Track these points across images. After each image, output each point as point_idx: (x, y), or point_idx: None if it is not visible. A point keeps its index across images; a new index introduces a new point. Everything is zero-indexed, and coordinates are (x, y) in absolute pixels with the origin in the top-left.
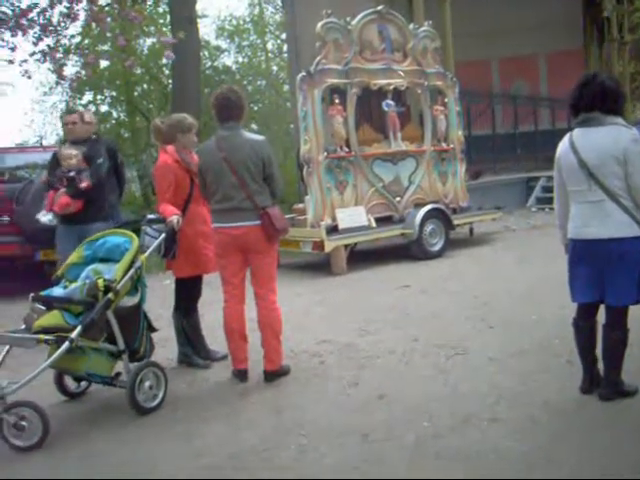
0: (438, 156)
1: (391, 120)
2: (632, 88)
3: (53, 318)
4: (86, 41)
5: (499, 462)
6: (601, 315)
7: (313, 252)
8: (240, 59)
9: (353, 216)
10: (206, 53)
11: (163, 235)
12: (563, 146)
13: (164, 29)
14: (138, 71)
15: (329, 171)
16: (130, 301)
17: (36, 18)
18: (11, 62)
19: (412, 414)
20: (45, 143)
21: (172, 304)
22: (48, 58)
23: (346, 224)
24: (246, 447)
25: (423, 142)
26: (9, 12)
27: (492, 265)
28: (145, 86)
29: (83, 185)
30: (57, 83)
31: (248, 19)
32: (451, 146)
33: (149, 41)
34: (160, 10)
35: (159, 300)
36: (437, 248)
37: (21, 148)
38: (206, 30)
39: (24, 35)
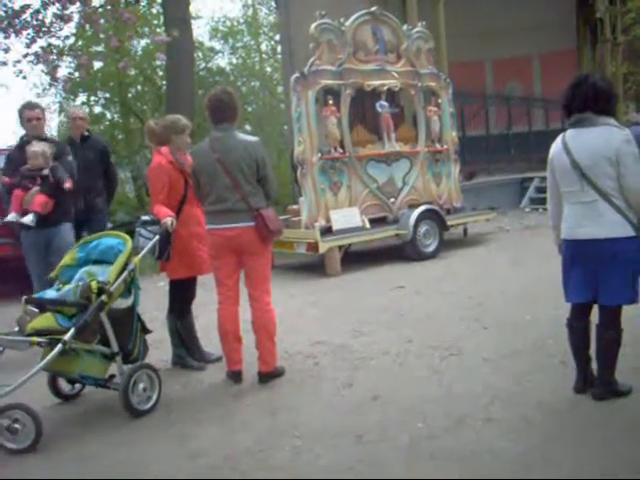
0: (432, 157)
1: (385, 121)
2: (625, 89)
3: (46, 320)
4: (80, 42)
5: (494, 462)
6: (595, 315)
7: (307, 253)
8: (234, 60)
9: (347, 217)
10: (200, 54)
11: (157, 237)
12: (556, 147)
13: (158, 30)
14: (132, 72)
15: (323, 172)
16: (124, 303)
17: (29, 20)
18: (4, 64)
19: (406, 415)
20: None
21: (166, 306)
22: (41, 60)
23: (340, 225)
24: (241, 449)
25: (417, 143)
26: (2, 14)
27: (486, 266)
28: (139, 87)
29: (67, 185)
30: (50, 84)
31: (242, 20)
32: (445, 147)
33: (143, 42)
34: (154, 11)
35: (153, 302)
36: (431, 249)
37: None
38: (200, 31)
39: (17, 36)
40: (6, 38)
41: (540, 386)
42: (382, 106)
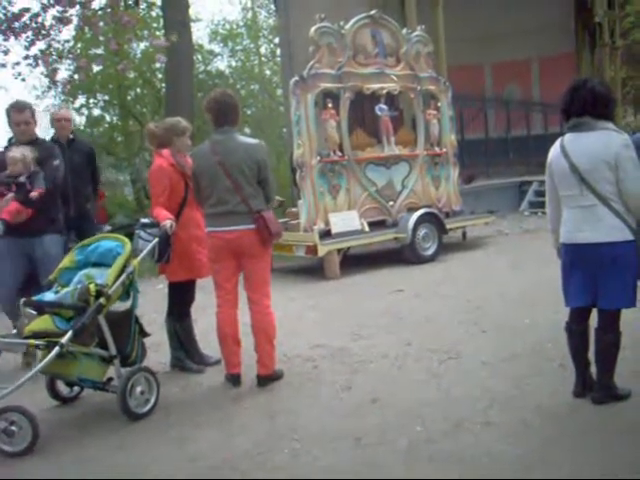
0: (431, 160)
1: (384, 124)
2: (623, 93)
3: (43, 323)
4: (79, 45)
5: (492, 466)
6: (594, 319)
7: (306, 256)
8: (233, 63)
9: (346, 220)
10: (199, 57)
11: (156, 239)
12: (554, 151)
13: (157, 33)
14: (131, 75)
15: (322, 175)
16: (122, 306)
17: (28, 22)
18: (3, 66)
19: (405, 418)
20: None
21: (165, 309)
22: (40, 62)
23: (339, 228)
24: (239, 452)
25: (416, 146)
26: (1, 16)
27: (485, 269)
28: (138, 90)
29: (34, 194)
30: (50, 87)
31: (241, 23)
32: (444, 150)
33: (142, 45)
34: (153, 14)
35: (152, 304)
36: (430, 252)
37: None
38: (199, 34)
39: (17, 39)
40: (5, 40)
41: (539, 390)
42: (381, 109)
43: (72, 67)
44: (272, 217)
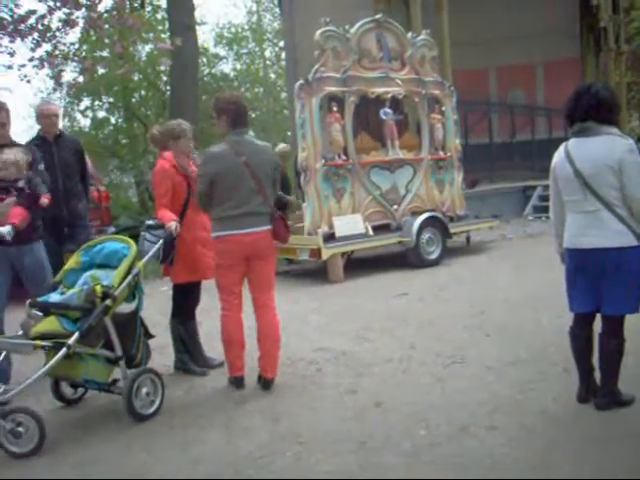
0: (435, 164)
1: (389, 128)
2: (628, 98)
3: (50, 324)
4: (84, 47)
5: (496, 470)
6: (597, 324)
7: (310, 260)
8: (238, 66)
9: (350, 224)
10: (204, 60)
11: (161, 241)
12: (558, 156)
13: (163, 36)
14: (136, 77)
15: (326, 179)
16: (127, 307)
17: (34, 24)
18: (10, 67)
19: (409, 422)
20: None
21: (169, 311)
22: (46, 64)
23: (343, 232)
24: (243, 454)
25: (420, 150)
26: (7, 18)
27: (489, 273)
28: (143, 92)
29: (45, 201)
30: (55, 89)
31: (247, 27)
32: (448, 154)
33: (147, 48)
34: (159, 17)
35: (156, 307)
36: (434, 256)
37: None
38: (205, 37)
39: (23, 41)
40: (11, 42)
41: (543, 395)
42: (386, 113)
43: (77, 69)
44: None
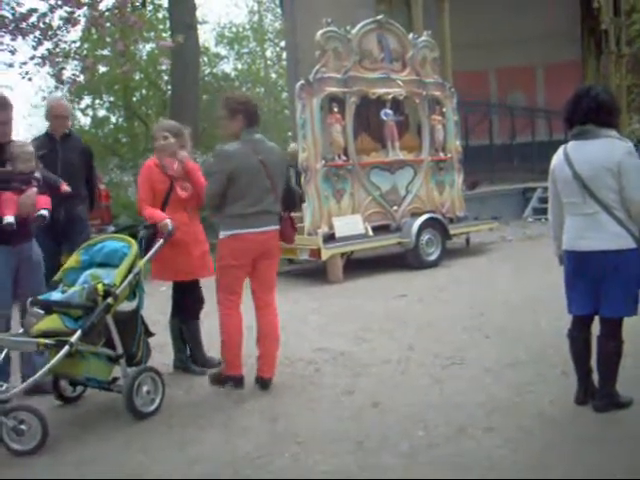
0: (436, 166)
1: (389, 129)
2: (629, 100)
3: (52, 322)
4: (86, 45)
5: (493, 471)
6: (596, 326)
7: (310, 260)
8: (239, 66)
9: (350, 224)
10: (205, 59)
11: (162, 241)
12: (557, 158)
13: (164, 35)
14: (137, 77)
15: (327, 179)
16: (128, 306)
17: (36, 22)
18: (11, 65)
19: (407, 423)
20: None
21: (169, 309)
22: (47, 62)
23: (343, 232)
24: (241, 454)
25: (421, 151)
26: (9, 16)
27: (488, 275)
28: (144, 91)
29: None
30: (56, 87)
31: (248, 26)
32: (449, 156)
33: (148, 47)
34: (160, 16)
35: (156, 305)
36: (433, 258)
37: None
38: (206, 37)
39: (24, 39)
40: (13, 40)
41: (541, 397)
42: (387, 114)
43: (79, 68)
44: None
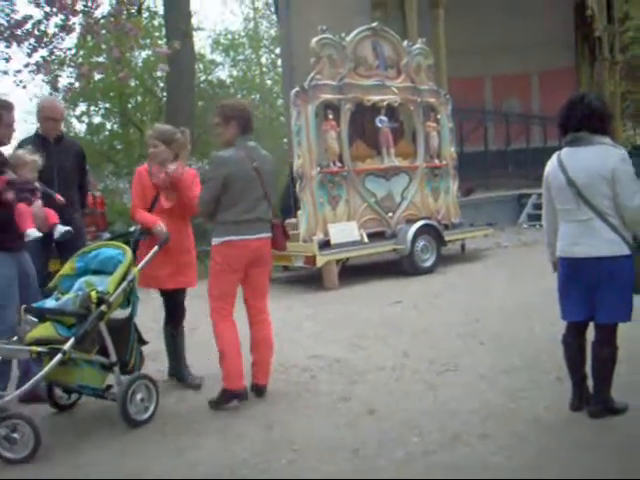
0: (431, 172)
1: (384, 136)
2: (622, 107)
3: (45, 330)
4: (81, 52)
5: (488, 478)
6: (590, 332)
7: (305, 266)
8: (235, 73)
9: (345, 231)
10: (201, 66)
11: (156, 247)
12: (552, 165)
13: (159, 42)
14: (132, 83)
15: (322, 186)
16: (122, 314)
17: (31, 30)
18: (5, 73)
19: (402, 430)
20: None
21: (162, 317)
22: (42, 70)
23: (338, 239)
24: (237, 461)
25: (416, 158)
26: (4, 23)
27: (483, 281)
28: (139, 98)
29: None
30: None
31: (243, 33)
32: (444, 162)
33: (144, 54)
34: (155, 23)
35: (149, 313)
36: (429, 264)
37: None
38: (201, 44)
39: (19, 46)
40: (7, 47)
41: (536, 403)
42: (381, 121)
43: (74, 75)
44: None
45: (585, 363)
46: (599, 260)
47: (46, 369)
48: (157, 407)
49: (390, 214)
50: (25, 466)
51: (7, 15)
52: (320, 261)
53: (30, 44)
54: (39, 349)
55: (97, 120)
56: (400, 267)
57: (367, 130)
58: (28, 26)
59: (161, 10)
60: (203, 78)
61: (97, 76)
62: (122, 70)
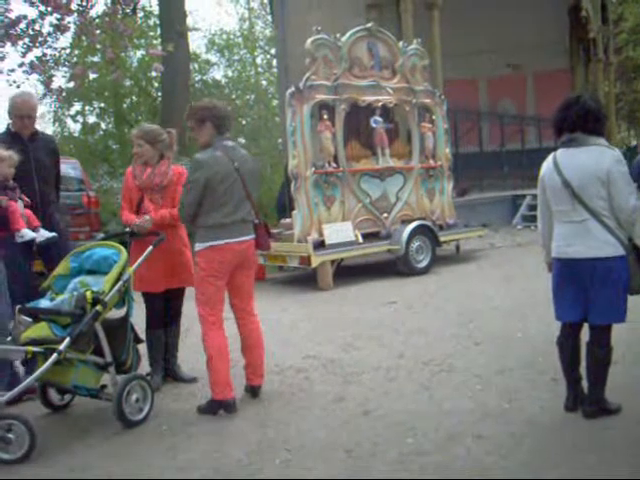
0: (425, 173)
1: (379, 136)
2: (617, 108)
3: (41, 330)
4: (76, 52)
5: (483, 478)
6: (585, 333)
7: (300, 267)
8: (230, 73)
9: (340, 231)
10: (196, 66)
11: (150, 248)
12: (547, 166)
13: (154, 42)
14: (127, 83)
15: (317, 186)
16: (117, 313)
17: (26, 29)
18: None
19: (396, 430)
20: None
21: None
22: (36, 69)
23: (333, 239)
24: (231, 462)
25: (411, 159)
26: None
27: (478, 282)
28: (134, 98)
29: (28, 201)
30: (45, 94)
31: (238, 34)
32: (439, 163)
33: (139, 54)
34: (150, 23)
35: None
36: (423, 265)
37: None
38: (197, 44)
39: (13, 45)
40: (1, 47)
41: (530, 403)
42: (376, 122)
43: (68, 74)
44: None
45: (580, 364)
46: (593, 261)
47: (41, 369)
48: (152, 407)
49: (385, 215)
50: (19, 466)
51: (1, 14)
52: (315, 261)
53: (25, 43)
54: (34, 349)
55: (92, 120)
56: (395, 268)
57: (362, 130)
58: (22, 25)
59: (156, 10)
60: (198, 78)
61: (92, 75)
62: (116, 71)
